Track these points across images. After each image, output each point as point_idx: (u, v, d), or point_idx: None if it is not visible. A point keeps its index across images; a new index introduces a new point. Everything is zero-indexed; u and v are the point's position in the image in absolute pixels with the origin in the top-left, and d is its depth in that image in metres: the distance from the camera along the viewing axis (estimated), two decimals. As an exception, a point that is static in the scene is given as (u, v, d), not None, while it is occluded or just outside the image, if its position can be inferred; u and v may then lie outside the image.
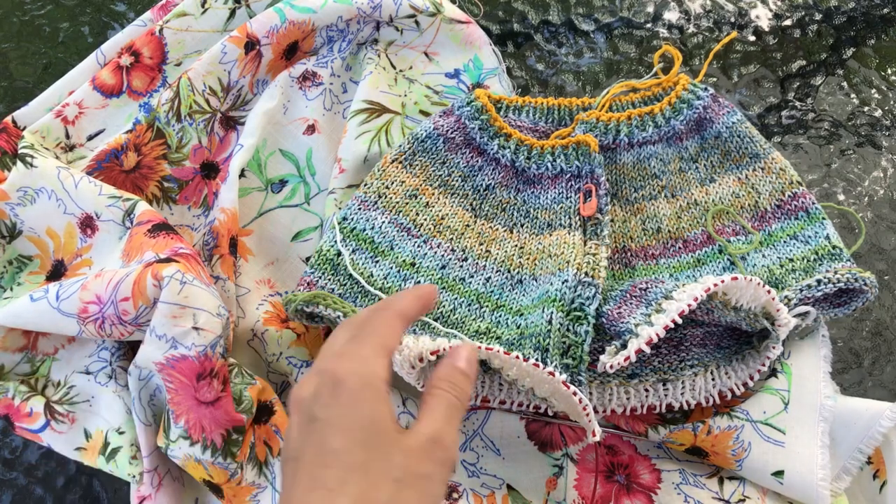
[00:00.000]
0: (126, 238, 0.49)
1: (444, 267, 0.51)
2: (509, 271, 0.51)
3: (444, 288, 0.50)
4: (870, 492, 0.45)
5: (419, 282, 0.50)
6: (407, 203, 0.52)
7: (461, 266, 0.51)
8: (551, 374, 0.40)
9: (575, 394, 0.40)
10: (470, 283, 0.51)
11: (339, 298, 0.46)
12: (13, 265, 0.52)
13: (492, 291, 0.50)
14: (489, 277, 0.51)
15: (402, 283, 0.50)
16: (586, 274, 0.47)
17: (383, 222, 0.51)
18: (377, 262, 0.50)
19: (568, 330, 0.45)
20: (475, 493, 0.47)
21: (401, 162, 0.53)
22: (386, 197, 0.52)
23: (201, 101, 0.55)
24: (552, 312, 0.45)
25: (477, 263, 0.51)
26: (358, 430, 0.29)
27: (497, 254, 0.52)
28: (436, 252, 0.51)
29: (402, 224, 0.52)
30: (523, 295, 0.50)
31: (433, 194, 0.53)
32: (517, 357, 0.40)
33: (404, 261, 0.50)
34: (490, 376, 0.48)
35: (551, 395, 0.43)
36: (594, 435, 0.40)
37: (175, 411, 0.42)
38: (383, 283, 0.49)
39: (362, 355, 0.32)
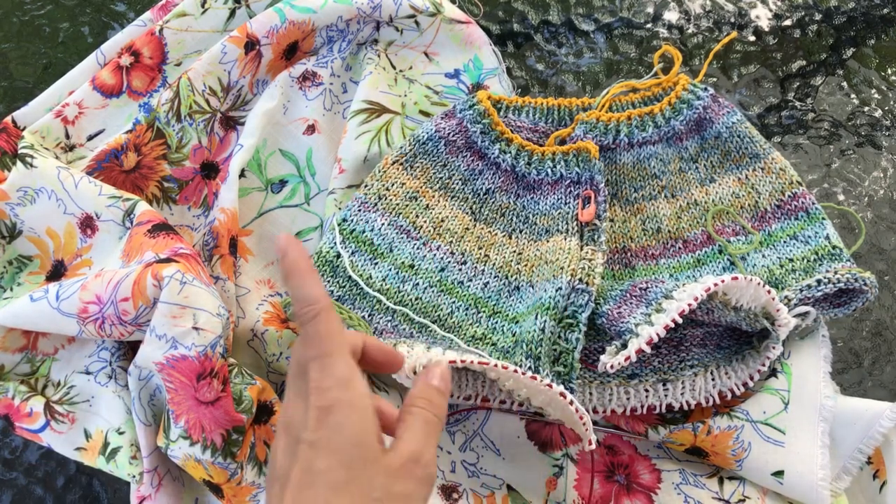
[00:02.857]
0: (126, 238, 0.49)
1: (443, 269, 0.51)
2: (507, 277, 0.51)
3: (442, 291, 0.50)
4: (870, 492, 0.45)
5: (418, 284, 0.50)
6: (407, 205, 0.52)
7: (460, 269, 0.51)
8: (549, 385, 0.40)
9: (571, 403, 0.40)
10: (468, 286, 0.51)
11: (338, 304, 0.47)
12: (13, 265, 0.52)
13: (489, 297, 0.50)
14: (487, 282, 0.51)
15: (401, 284, 0.49)
16: (580, 280, 0.47)
17: (383, 224, 0.51)
18: (376, 263, 0.50)
19: (559, 337, 0.46)
20: (475, 494, 0.47)
21: (402, 164, 0.53)
22: (386, 199, 0.52)
23: (201, 101, 0.55)
24: (545, 321, 0.46)
25: (475, 267, 0.51)
26: (342, 452, 0.29)
27: (496, 259, 0.52)
28: (435, 254, 0.51)
29: (401, 226, 0.52)
30: (520, 302, 0.50)
31: (433, 197, 0.53)
32: (514, 370, 0.40)
33: (403, 262, 0.50)
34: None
35: (547, 404, 0.43)
36: (590, 444, 0.41)
37: (175, 411, 0.42)
38: (381, 285, 0.49)
39: (341, 376, 0.31)
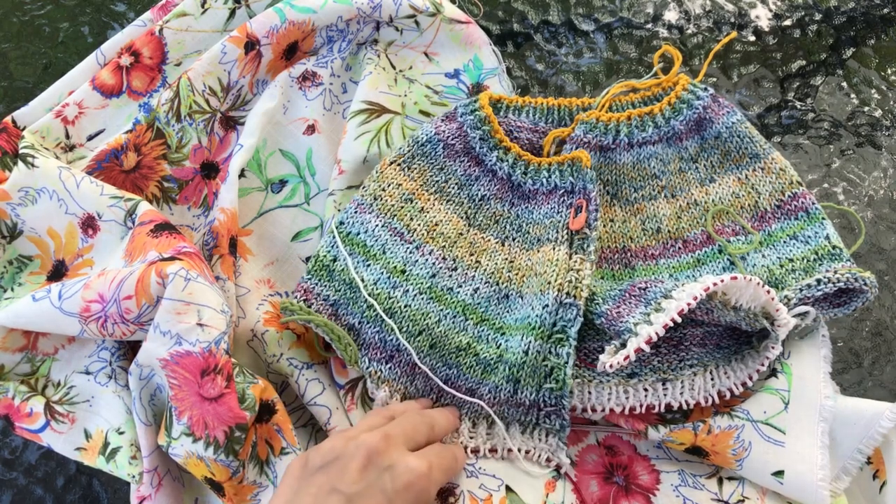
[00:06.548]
0: (128, 238, 0.49)
1: (433, 276, 0.50)
2: (497, 284, 0.51)
3: (431, 298, 0.50)
4: (870, 492, 0.45)
5: (408, 291, 0.50)
6: (402, 207, 0.52)
7: (450, 276, 0.51)
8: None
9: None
10: (458, 293, 0.50)
11: (331, 323, 0.48)
12: (13, 265, 0.52)
13: (478, 303, 0.50)
14: (477, 288, 0.51)
15: (392, 290, 0.49)
16: (568, 294, 0.47)
17: (377, 226, 0.51)
18: (368, 265, 0.50)
19: (550, 352, 0.46)
20: (472, 495, 0.47)
21: (399, 164, 0.53)
22: (382, 199, 0.52)
23: (201, 101, 0.55)
24: (529, 342, 0.46)
25: (466, 273, 0.51)
26: None
27: (487, 265, 0.52)
28: (427, 259, 0.51)
29: (395, 228, 0.52)
30: (507, 311, 0.50)
31: (428, 199, 0.53)
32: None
33: (395, 267, 0.50)
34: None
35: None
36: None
37: (178, 408, 0.42)
38: (373, 289, 0.49)
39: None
